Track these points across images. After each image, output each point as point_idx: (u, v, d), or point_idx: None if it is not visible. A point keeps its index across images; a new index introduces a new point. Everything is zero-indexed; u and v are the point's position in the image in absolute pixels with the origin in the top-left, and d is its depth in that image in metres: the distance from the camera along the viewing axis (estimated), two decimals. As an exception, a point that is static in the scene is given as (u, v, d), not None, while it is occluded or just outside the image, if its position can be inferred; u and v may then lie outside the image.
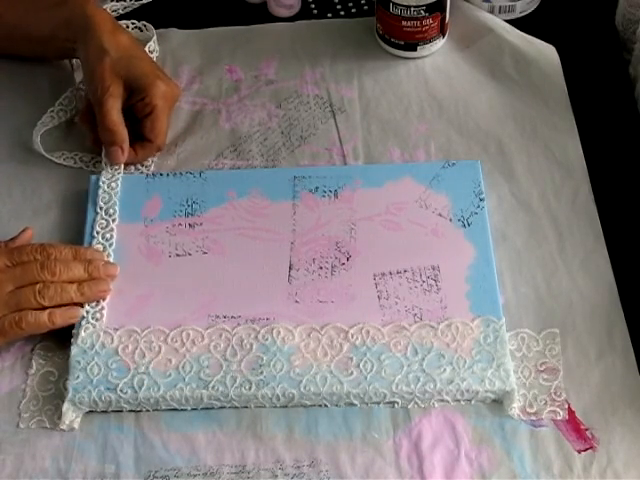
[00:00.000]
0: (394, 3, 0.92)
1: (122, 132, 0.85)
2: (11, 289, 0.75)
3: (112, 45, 0.86)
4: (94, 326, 0.76)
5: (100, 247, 0.81)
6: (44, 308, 0.75)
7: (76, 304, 0.77)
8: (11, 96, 0.94)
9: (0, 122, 0.92)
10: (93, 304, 0.77)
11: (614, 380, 0.74)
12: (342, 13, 1.03)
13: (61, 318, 0.76)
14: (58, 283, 0.76)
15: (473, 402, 0.73)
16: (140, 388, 0.73)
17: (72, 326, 0.76)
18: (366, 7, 1.03)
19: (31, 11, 0.90)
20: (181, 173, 0.86)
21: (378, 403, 0.73)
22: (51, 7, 0.89)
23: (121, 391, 0.73)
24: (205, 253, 0.81)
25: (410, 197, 0.83)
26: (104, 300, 0.78)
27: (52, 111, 0.91)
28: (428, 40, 0.94)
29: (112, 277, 0.79)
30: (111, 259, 0.80)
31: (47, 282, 0.75)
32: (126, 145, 0.85)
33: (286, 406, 0.73)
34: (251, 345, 0.75)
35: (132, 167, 0.88)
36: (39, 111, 0.91)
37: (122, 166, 0.86)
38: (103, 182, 0.85)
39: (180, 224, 0.83)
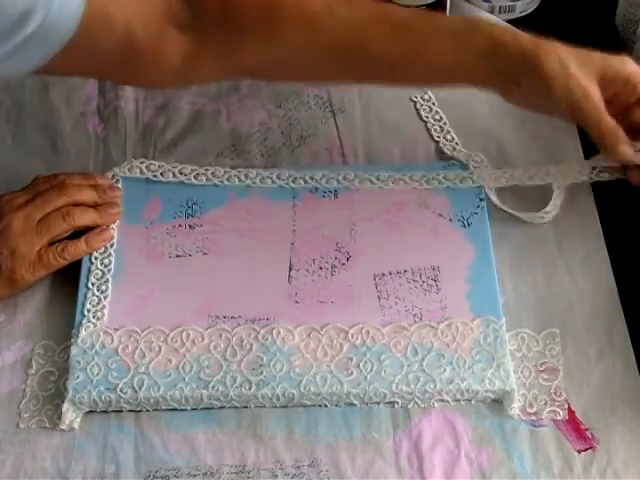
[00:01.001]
0: (394, 3, 0.91)
1: (621, 131, 0.78)
2: (39, 219, 0.78)
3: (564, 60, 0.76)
4: (95, 325, 0.76)
5: (101, 248, 0.81)
6: (75, 234, 0.79)
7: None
8: None
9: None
10: (95, 302, 0.78)
11: (614, 380, 0.74)
12: (342, 13, 1.02)
13: (97, 241, 0.80)
14: (79, 206, 0.80)
15: (473, 402, 0.73)
16: (140, 388, 0.73)
17: (72, 326, 0.77)
18: (366, 7, 1.03)
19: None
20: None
21: (378, 403, 0.73)
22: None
23: (121, 391, 0.73)
24: (205, 254, 0.81)
25: (410, 197, 0.83)
26: (111, 240, 0.81)
27: None
28: (428, 40, 0.94)
29: (118, 198, 0.83)
30: (112, 259, 0.80)
31: (69, 206, 0.79)
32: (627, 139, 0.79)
33: (286, 406, 0.73)
34: (251, 345, 0.75)
35: (137, 171, 0.87)
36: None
37: (125, 168, 0.86)
38: (103, 183, 0.85)
39: (180, 225, 0.83)
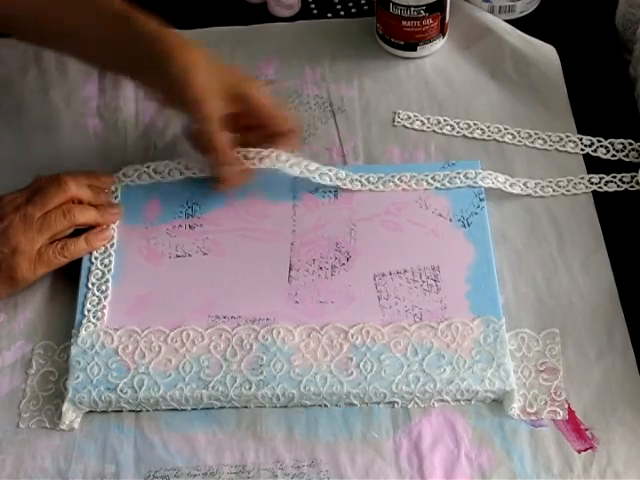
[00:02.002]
0: (394, 3, 0.92)
1: (231, 153, 0.81)
2: (39, 216, 0.78)
3: (195, 61, 0.79)
4: (95, 325, 0.76)
5: (101, 249, 0.81)
6: (76, 232, 0.80)
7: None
8: None
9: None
10: (95, 302, 0.78)
11: (614, 380, 0.74)
12: (342, 13, 1.03)
13: (96, 240, 0.81)
14: (80, 204, 0.80)
15: (473, 402, 0.73)
16: (140, 388, 0.73)
17: (72, 326, 0.77)
18: (366, 7, 1.03)
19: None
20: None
21: (378, 403, 0.73)
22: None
23: (121, 391, 0.73)
24: (205, 254, 0.81)
25: (410, 197, 0.83)
26: (111, 240, 0.81)
27: None
28: (428, 40, 0.94)
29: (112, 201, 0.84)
30: (112, 259, 0.80)
31: (68, 202, 0.79)
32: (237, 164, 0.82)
33: (286, 406, 0.73)
34: (251, 345, 0.75)
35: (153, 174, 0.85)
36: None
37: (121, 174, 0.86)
38: (103, 183, 0.85)
39: (180, 225, 0.83)
